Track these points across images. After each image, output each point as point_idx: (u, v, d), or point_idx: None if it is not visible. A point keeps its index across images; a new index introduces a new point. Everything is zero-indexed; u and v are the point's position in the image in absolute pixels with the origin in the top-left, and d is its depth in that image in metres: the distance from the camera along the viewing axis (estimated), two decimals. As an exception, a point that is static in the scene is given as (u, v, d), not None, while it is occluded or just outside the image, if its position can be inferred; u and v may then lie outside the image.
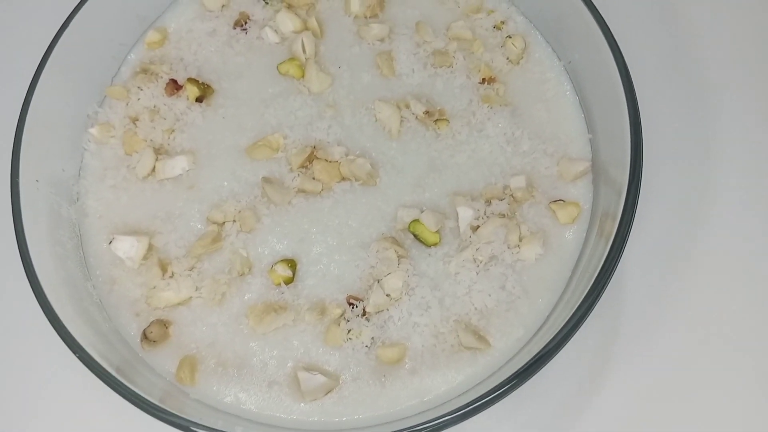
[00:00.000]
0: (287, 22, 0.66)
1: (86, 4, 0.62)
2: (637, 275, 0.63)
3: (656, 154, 0.64)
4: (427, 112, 0.62)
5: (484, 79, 0.64)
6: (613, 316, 0.62)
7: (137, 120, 0.63)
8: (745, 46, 0.69)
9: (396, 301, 0.56)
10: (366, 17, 0.67)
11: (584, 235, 0.59)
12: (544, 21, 0.65)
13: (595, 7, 0.58)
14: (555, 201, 0.60)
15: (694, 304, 0.63)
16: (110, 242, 0.59)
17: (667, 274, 0.63)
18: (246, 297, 0.58)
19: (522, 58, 0.65)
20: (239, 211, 0.60)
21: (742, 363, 0.61)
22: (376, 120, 0.63)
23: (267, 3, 0.68)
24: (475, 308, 0.56)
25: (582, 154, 0.61)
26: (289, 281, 0.58)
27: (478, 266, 0.57)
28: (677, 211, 0.65)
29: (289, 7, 0.68)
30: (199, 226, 0.60)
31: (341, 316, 0.56)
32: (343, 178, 0.61)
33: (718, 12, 0.70)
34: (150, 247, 0.59)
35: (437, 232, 0.58)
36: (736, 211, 0.65)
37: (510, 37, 0.65)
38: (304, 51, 0.65)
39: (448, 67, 0.65)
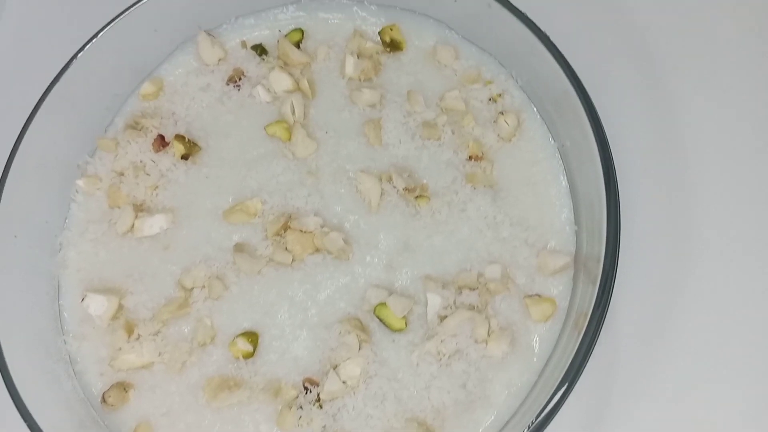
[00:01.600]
0: (280, 81, 0.66)
1: (83, 53, 0.63)
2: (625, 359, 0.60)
3: (635, 247, 0.60)
4: (407, 189, 0.60)
5: (471, 156, 0.61)
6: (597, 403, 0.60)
7: (123, 174, 0.64)
8: (733, 138, 0.65)
9: (352, 389, 0.55)
10: (360, 80, 0.66)
11: (556, 336, 0.56)
12: (541, 99, 0.62)
13: (585, 92, 0.54)
14: (530, 296, 0.57)
15: (684, 394, 0.59)
16: (82, 299, 0.59)
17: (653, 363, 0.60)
18: (205, 368, 0.57)
19: (514, 135, 0.62)
20: (209, 277, 0.60)
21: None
22: (357, 191, 0.62)
23: (263, 60, 0.68)
24: (432, 406, 0.54)
25: (564, 248, 0.58)
26: (248, 356, 0.57)
27: (440, 360, 0.55)
28: (660, 301, 0.61)
29: (285, 65, 0.67)
30: (169, 288, 0.60)
31: (295, 398, 0.55)
32: (317, 250, 0.60)
33: (711, 111, 0.65)
34: (120, 307, 0.60)
35: (403, 318, 0.56)
36: (714, 305, 0.61)
37: (503, 114, 0.62)
38: (293, 113, 0.64)
39: (437, 140, 0.62)
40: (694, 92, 0.66)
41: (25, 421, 0.51)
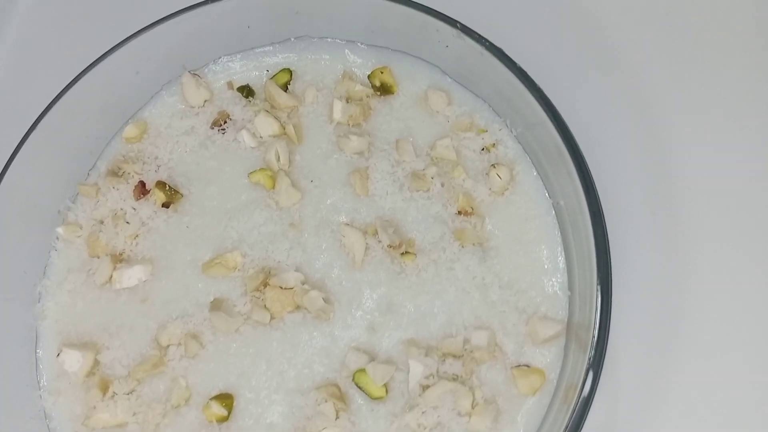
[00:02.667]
0: (266, 126, 0.63)
1: (64, 96, 0.61)
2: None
3: (629, 309, 0.57)
4: (391, 246, 0.57)
5: (460, 211, 0.58)
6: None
7: (103, 222, 0.62)
8: (731, 199, 0.61)
9: (327, 461, 0.53)
10: (349, 125, 0.63)
11: (545, 410, 0.53)
12: (536, 151, 0.58)
13: (578, 150, 0.51)
14: (518, 366, 0.54)
15: None
16: (58, 355, 0.58)
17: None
18: (178, 431, 0.56)
19: (507, 189, 0.59)
20: (185, 335, 0.58)
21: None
22: (341, 245, 0.59)
23: (249, 101, 0.65)
24: (409, 485, 0.52)
25: (556, 315, 0.55)
26: (222, 420, 0.55)
27: (421, 433, 0.53)
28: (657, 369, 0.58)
29: (271, 108, 0.64)
30: (146, 344, 0.59)
31: (269, 468, 0.53)
32: (297, 308, 0.57)
33: (709, 170, 0.62)
34: (95, 363, 0.58)
35: (384, 386, 0.54)
36: (709, 366, 0.58)
37: (495, 167, 0.58)
38: (277, 160, 0.62)
39: (425, 191, 0.59)
40: (691, 149, 0.62)
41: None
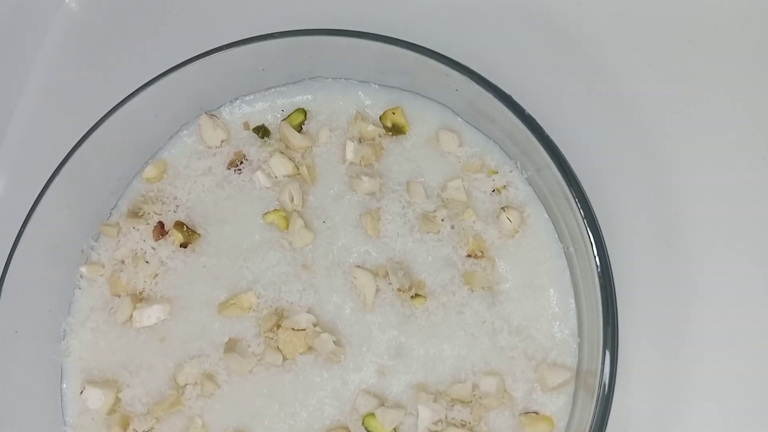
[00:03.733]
0: (280, 167, 0.64)
1: (87, 140, 0.63)
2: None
3: (636, 353, 0.56)
4: (400, 290, 0.58)
5: (470, 254, 0.59)
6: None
7: (123, 262, 0.65)
8: (739, 244, 0.61)
9: (336, 505, 0.54)
10: (361, 165, 0.64)
11: (553, 459, 0.53)
12: (546, 195, 0.58)
13: (586, 199, 0.51)
14: (527, 413, 0.54)
15: None
16: (81, 392, 0.60)
17: None
18: (194, 471, 0.57)
19: (518, 232, 0.59)
20: (202, 374, 0.59)
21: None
22: (352, 286, 0.60)
23: (265, 141, 0.67)
24: None
25: (565, 362, 0.55)
26: (237, 460, 0.57)
27: (428, 479, 0.53)
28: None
29: (286, 148, 0.66)
30: (164, 382, 0.60)
31: None
32: (309, 349, 0.59)
33: (717, 216, 0.61)
34: (117, 401, 0.60)
35: (393, 430, 0.55)
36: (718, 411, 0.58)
37: (505, 210, 0.59)
38: (291, 201, 0.63)
39: (436, 233, 0.60)
40: (701, 196, 0.61)
41: None
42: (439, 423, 0.54)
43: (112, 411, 0.60)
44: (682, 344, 0.58)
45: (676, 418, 0.57)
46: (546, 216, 0.59)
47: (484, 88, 0.55)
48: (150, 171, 0.67)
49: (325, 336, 0.58)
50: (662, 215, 0.61)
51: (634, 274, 0.59)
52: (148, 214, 0.66)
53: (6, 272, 0.59)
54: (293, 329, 0.59)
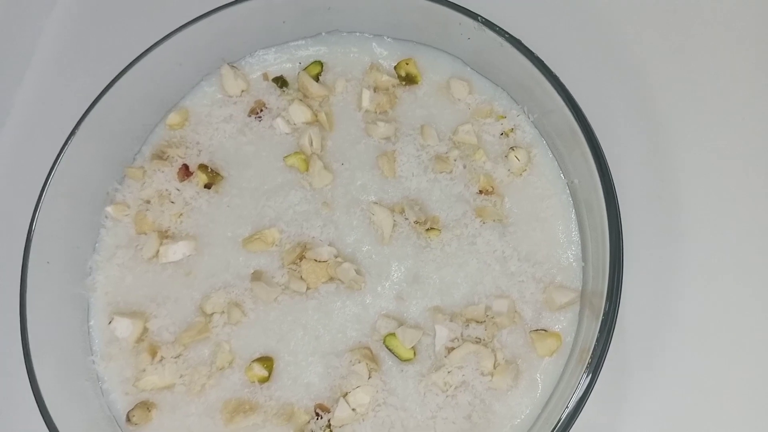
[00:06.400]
0: (299, 114, 0.68)
1: (113, 87, 0.66)
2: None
3: (638, 281, 0.61)
4: (417, 222, 0.62)
5: (481, 191, 0.63)
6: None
7: (149, 202, 0.67)
8: (729, 178, 0.67)
9: (361, 416, 0.57)
10: (376, 113, 0.68)
11: (561, 369, 0.57)
12: (551, 135, 0.63)
13: (593, 133, 0.56)
14: (536, 330, 0.58)
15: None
16: (110, 322, 0.63)
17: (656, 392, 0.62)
18: (223, 391, 0.60)
19: (525, 170, 0.63)
20: (228, 303, 0.62)
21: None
22: (370, 222, 0.64)
23: (283, 91, 0.70)
24: (437, 436, 0.56)
25: (571, 284, 0.59)
26: (264, 380, 0.60)
27: (447, 390, 0.57)
28: (662, 331, 0.63)
29: (304, 97, 0.69)
30: (191, 312, 0.63)
31: (307, 423, 0.58)
32: (330, 279, 0.62)
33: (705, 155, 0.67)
34: (144, 330, 0.63)
35: (412, 348, 0.59)
36: (713, 334, 0.63)
37: (513, 149, 0.63)
38: (311, 145, 0.67)
39: (448, 173, 0.64)
40: (694, 135, 0.67)
41: (54, 438, 0.54)
42: (455, 340, 0.58)
43: (139, 340, 0.63)
44: (671, 272, 0.64)
45: (671, 335, 0.63)
46: (551, 155, 0.64)
47: (497, 33, 0.60)
48: (173, 118, 0.71)
49: (346, 265, 0.61)
50: (656, 162, 0.67)
51: (632, 218, 0.64)
52: (172, 157, 0.69)
53: (38, 210, 0.62)
54: (316, 261, 0.62)
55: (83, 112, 0.65)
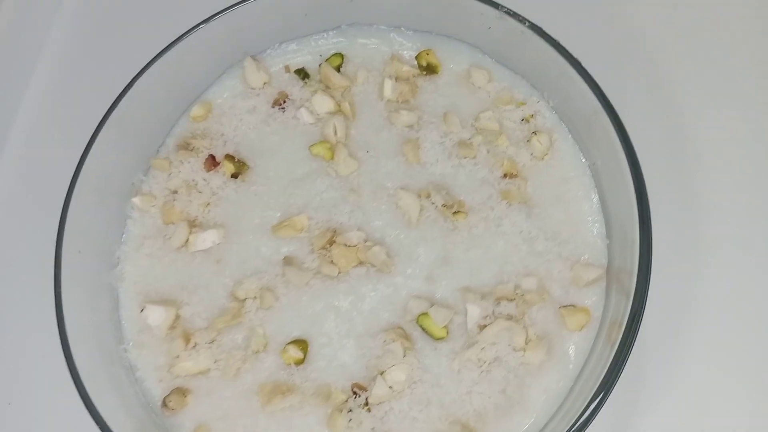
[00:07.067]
0: (323, 104, 0.69)
1: (138, 80, 0.67)
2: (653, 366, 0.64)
3: (665, 260, 0.63)
4: (445, 205, 0.64)
5: (505, 174, 0.65)
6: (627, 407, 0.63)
7: (176, 192, 0.68)
8: (753, 154, 0.69)
9: (398, 393, 0.58)
10: (398, 102, 0.69)
11: (591, 344, 0.59)
12: (572, 119, 0.65)
13: (616, 115, 0.58)
14: (565, 306, 0.60)
15: (707, 400, 0.63)
16: (142, 310, 0.63)
17: (679, 369, 0.64)
18: (258, 374, 0.61)
19: (547, 154, 0.66)
20: (260, 289, 0.63)
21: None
22: (397, 207, 0.65)
23: (305, 83, 0.72)
24: (474, 410, 0.58)
25: (597, 261, 0.61)
26: (299, 362, 0.61)
27: (481, 366, 0.59)
28: (686, 309, 0.66)
29: (326, 88, 0.71)
30: (222, 299, 0.64)
31: (344, 403, 0.59)
32: (360, 263, 0.63)
33: (732, 131, 0.70)
34: (177, 317, 0.64)
35: (445, 327, 0.60)
36: (739, 309, 0.66)
37: (536, 134, 0.65)
38: (335, 134, 0.68)
39: (472, 158, 0.66)
40: (712, 114, 0.70)
41: (98, 424, 0.54)
42: (487, 318, 0.60)
43: (172, 327, 0.64)
44: (700, 253, 0.67)
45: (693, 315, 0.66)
46: (571, 138, 0.66)
47: (518, 21, 0.62)
48: (197, 110, 0.71)
49: (377, 248, 0.63)
50: (674, 137, 0.70)
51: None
52: (198, 148, 0.70)
53: (69, 202, 0.62)
54: (345, 245, 0.64)
55: (109, 105, 0.66)
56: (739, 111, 0.70)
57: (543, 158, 0.66)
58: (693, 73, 0.72)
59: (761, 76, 0.72)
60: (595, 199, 0.63)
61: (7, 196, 0.78)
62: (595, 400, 0.53)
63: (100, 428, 0.54)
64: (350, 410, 0.58)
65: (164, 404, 0.61)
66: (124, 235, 0.68)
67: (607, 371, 0.53)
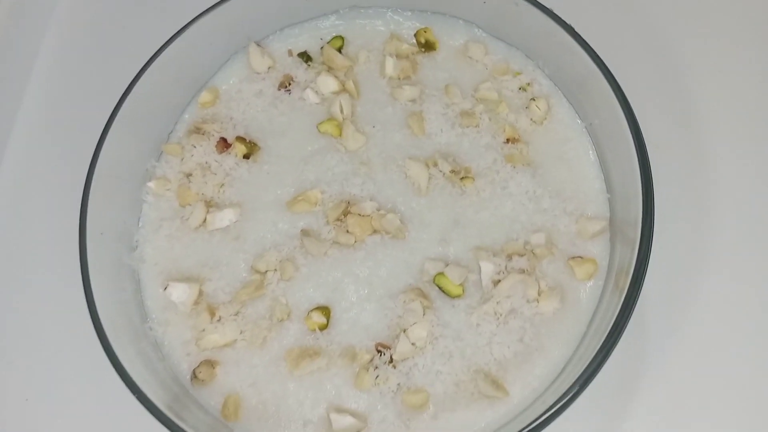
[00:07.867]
0: (327, 84, 0.72)
1: (148, 69, 0.69)
2: (656, 319, 0.67)
3: (667, 211, 0.67)
4: (453, 171, 0.67)
5: (508, 139, 0.68)
6: (634, 358, 0.66)
7: (191, 175, 0.70)
8: (750, 113, 0.73)
9: (421, 349, 0.61)
10: (399, 78, 0.72)
11: (600, 291, 0.62)
12: (567, 84, 0.69)
13: (612, 75, 0.62)
14: (573, 258, 0.63)
15: (710, 346, 0.66)
16: (165, 288, 0.65)
17: (683, 320, 0.67)
18: (284, 341, 0.63)
19: (545, 119, 0.69)
20: (280, 261, 0.66)
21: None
22: (406, 177, 0.68)
23: (309, 66, 0.74)
24: (495, 359, 0.60)
25: (600, 213, 0.65)
26: (323, 327, 0.63)
27: (498, 319, 0.61)
28: (687, 260, 0.69)
29: (329, 69, 0.73)
30: (243, 273, 0.66)
31: (370, 362, 0.61)
32: (375, 231, 0.66)
33: (726, 82, 0.74)
34: (200, 293, 0.65)
35: (461, 285, 0.63)
36: (741, 259, 0.69)
37: (534, 100, 0.69)
38: (341, 112, 0.71)
39: (475, 127, 0.69)
40: (713, 82, 0.74)
41: (134, 393, 0.56)
42: (500, 273, 0.63)
43: (196, 303, 0.65)
44: (700, 210, 0.70)
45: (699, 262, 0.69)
46: (567, 102, 0.69)
47: (513, -8, 0.66)
48: (204, 96, 0.74)
49: (390, 216, 0.65)
50: (672, 96, 0.74)
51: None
52: (208, 132, 0.72)
53: (90, 183, 0.64)
54: (360, 215, 0.66)
55: (118, 97, 0.68)
56: (747, 79, 0.74)
57: (542, 123, 0.69)
58: (695, 44, 0.76)
59: (758, 27, 0.76)
60: (593, 157, 0.67)
61: (23, 189, 0.79)
62: (608, 342, 0.56)
63: (138, 398, 0.56)
64: (376, 367, 0.61)
65: (194, 376, 0.62)
66: (140, 219, 0.70)
67: (618, 315, 0.56)
